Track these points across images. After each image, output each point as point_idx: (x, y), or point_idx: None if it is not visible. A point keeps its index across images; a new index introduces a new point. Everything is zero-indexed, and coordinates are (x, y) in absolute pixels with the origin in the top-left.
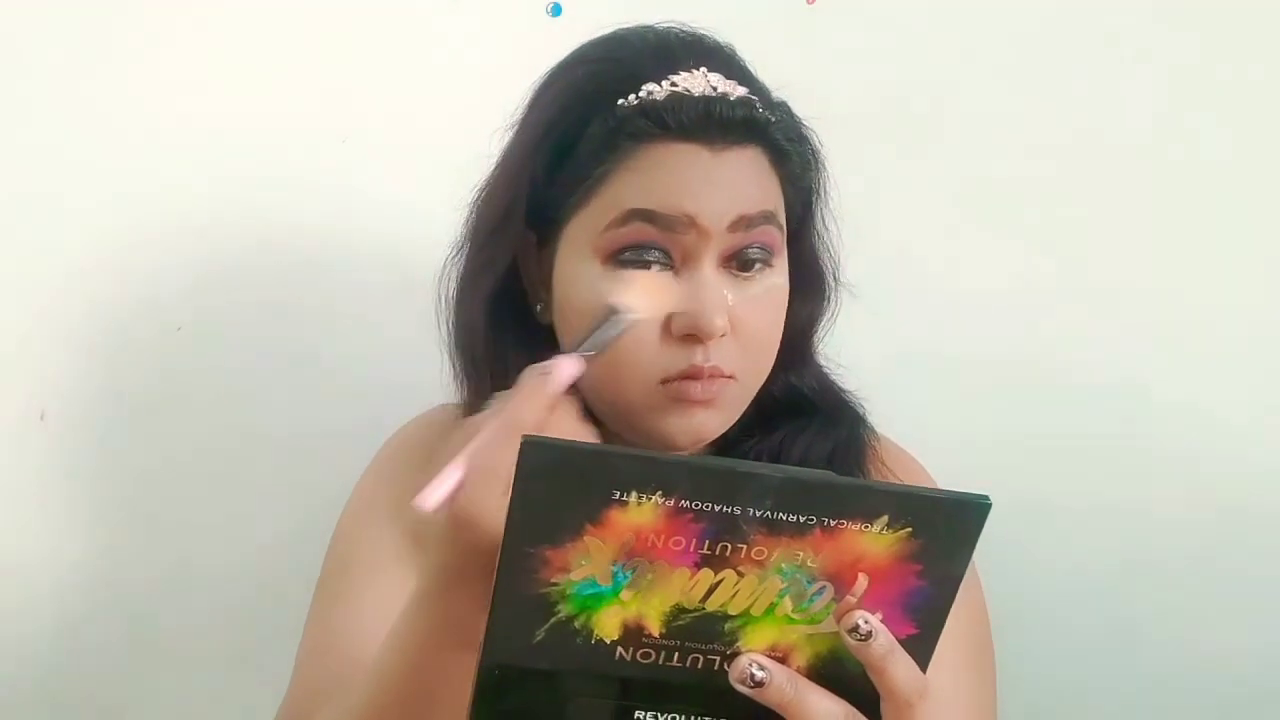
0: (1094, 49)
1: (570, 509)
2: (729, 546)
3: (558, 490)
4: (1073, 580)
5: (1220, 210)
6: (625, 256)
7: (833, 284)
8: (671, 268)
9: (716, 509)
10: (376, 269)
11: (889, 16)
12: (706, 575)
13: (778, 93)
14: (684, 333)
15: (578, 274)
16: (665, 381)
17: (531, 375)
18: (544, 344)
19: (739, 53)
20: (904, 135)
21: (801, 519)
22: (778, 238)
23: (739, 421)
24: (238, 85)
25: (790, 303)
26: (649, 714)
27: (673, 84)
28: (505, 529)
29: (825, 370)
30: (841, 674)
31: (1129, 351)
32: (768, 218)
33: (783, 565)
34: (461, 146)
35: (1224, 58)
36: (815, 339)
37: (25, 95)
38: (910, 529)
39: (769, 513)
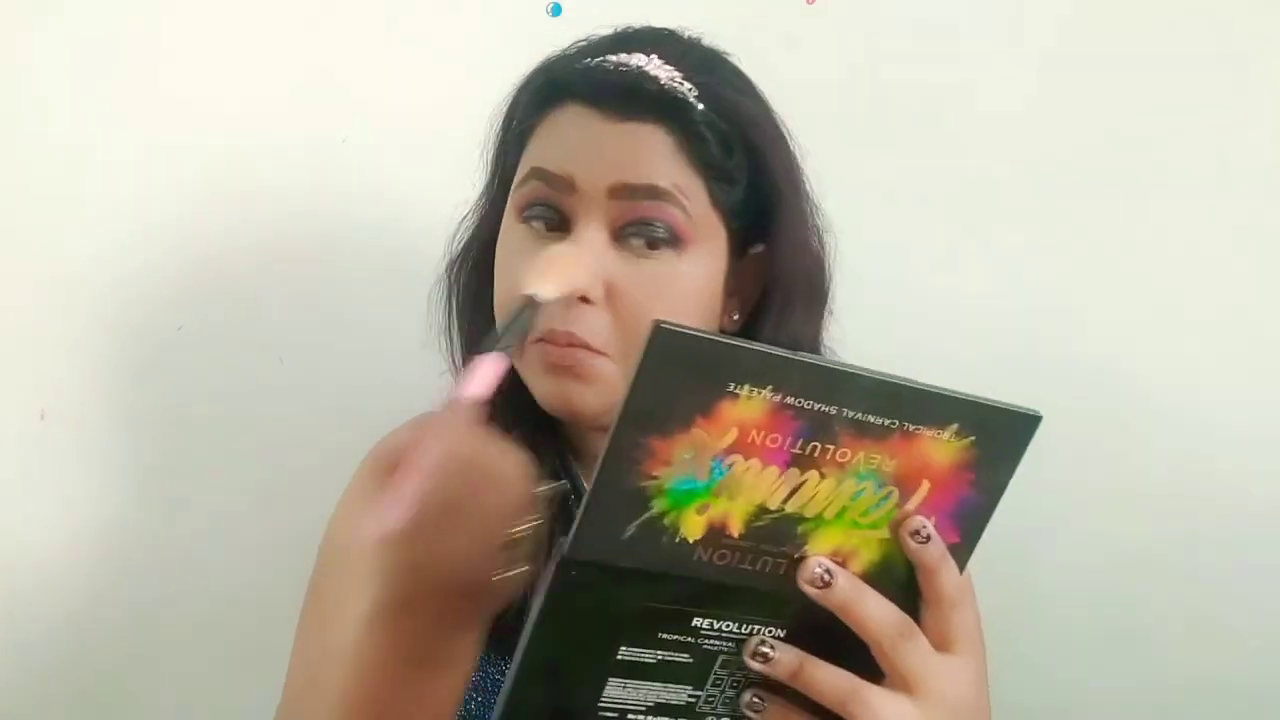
0: (1094, 49)
1: (686, 399)
2: (818, 447)
3: (678, 378)
4: (1071, 578)
5: (1219, 208)
6: (526, 214)
7: (813, 303)
8: (561, 229)
9: (816, 408)
10: (377, 269)
11: (889, 17)
12: (793, 475)
13: (781, 93)
14: None
15: (504, 230)
16: (535, 341)
17: (450, 402)
18: None
19: (731, 58)
20: (903, 135)
21: (887, 422)
22: (680, 220)
23: None
24: (238, 85)
25: (766, 315)
26: (706, 621)
27: (604, 59)
28: (618, 417)
29: None
30: (890, 581)
31: (1127, 351)
32: (655, 193)
33: (861, 469)
34: (461, 147)
35: (1226, 59)
36: None
37: (26, 96)
38: (973, 437)
39: (860, 414)
